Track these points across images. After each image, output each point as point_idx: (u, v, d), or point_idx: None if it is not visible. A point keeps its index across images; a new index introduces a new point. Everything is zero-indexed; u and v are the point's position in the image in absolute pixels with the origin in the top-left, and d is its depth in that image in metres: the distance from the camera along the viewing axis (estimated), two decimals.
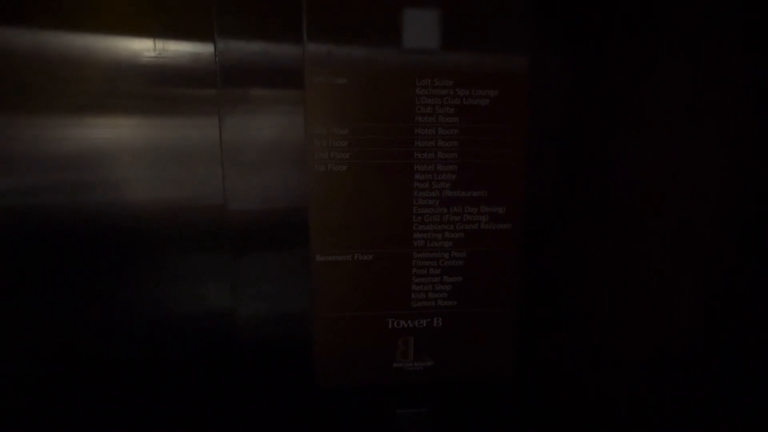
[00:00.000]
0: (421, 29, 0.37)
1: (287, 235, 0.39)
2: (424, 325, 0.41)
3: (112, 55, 0.36)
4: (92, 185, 0.37)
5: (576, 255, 0.43)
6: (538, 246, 0.42)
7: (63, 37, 0.35)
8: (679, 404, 0.35)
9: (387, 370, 0.41)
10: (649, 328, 0.37)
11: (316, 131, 0.37)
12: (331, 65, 0.37)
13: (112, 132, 0.37)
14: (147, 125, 0.37)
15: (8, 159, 0.36)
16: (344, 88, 0.37)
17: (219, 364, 0.41)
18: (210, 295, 0.40)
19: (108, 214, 0.38)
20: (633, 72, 0.39)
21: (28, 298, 0.38)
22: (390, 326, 0.41)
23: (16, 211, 0.37)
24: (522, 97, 0.39)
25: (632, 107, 0.40)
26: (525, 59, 0.38)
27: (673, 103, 0.36)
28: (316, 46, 0.36)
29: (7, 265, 0.37)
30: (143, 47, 0.36)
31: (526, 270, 0.41)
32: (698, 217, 0.34)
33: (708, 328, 0.33)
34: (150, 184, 0.38)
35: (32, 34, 0.35)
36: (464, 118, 0.38)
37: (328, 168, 0.38)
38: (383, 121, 0.38)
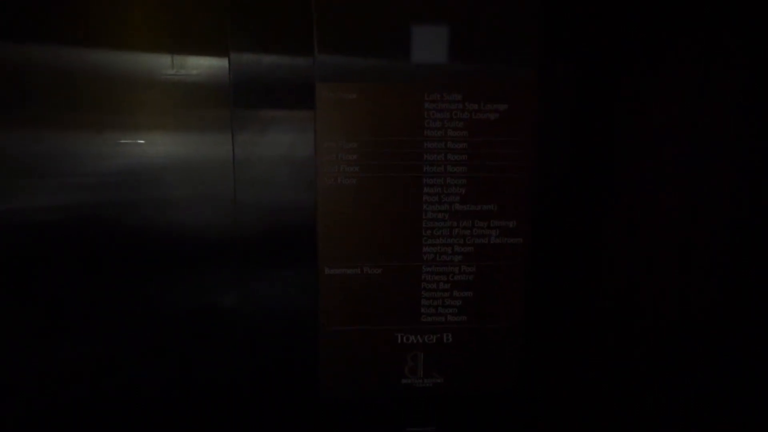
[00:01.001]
0: (429, 44, 0.37)
1: (296, 248, 0.39)
2: (434, 340, 0.41)
3: (129, 71, 0.37)
4: (108, 201, 0.38)
5: (585, 267, 0.42)
6: (548, 259, 0.41)
7: (81, 54, 0.37)
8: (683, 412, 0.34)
9: (396, 386, 0.41)
10: (659, 338, 0.36)
11: (326, 145, 0.38)
12: (341, 80, 0.37)
13: (127, 149, 0.38)
14: (162, 140, 0.38)
15: (28, 175, 0.37)
16: (354, 103, 0.37)
17: (224, 375, 0.40)
18: (218, 306, 0.40)
19: (118, 228, 0.39)
20: (640, 82, 0.39)
21: (36, 306, 0.38)
22: (399, 341, 0.40)
23: (35, 227, 0.38)
24: (531, 110, 0.38)
25: (639, 117, 0.39)
26: (533, 73, 0.38)
27: (679, 110, 0.36)
28: (327, 61, 0.37)
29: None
30: (161, 64, 0.38)
31: (537, 284, 0.41)
32: (705, 230, 0.34)
33: (719, 339, 0.32)
34: (163, 200, 0.39)
35: (49, 51, 0.37)
36: (473, 132, 0.38)
37: (338, 181, 0.38)
38: (392, 135, 0.38)
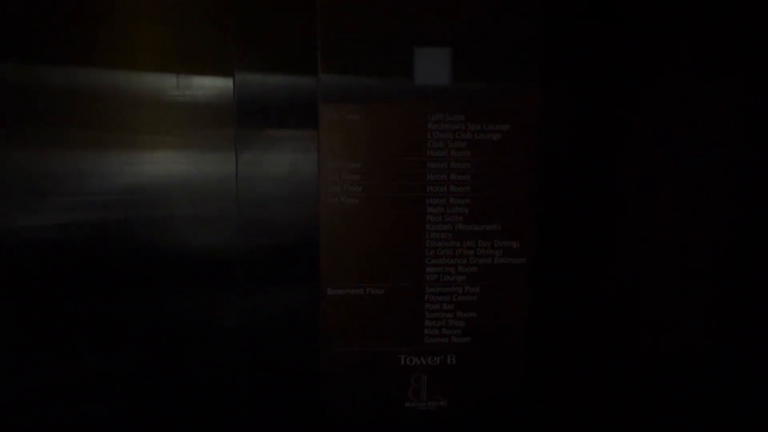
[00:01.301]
0: (432, 65, 0.38)
1: (299, 267, 0.39)
2: (438, 362, 0.40)
3: (135, 91, 0.38)
4: (113, 219, 0.38)
5: (589, 287, 0.42)
6: (551, 279, 0.41)
7: (89, 75, 0.37)
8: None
9: (399, 409, 0.40)
10: (664, 356, 0.36)
11: (329, 165, 0.38)
12: (345, 101, 0.37)
13: (133, 168, 0.38)
14: (166, 160, 0.38)
15: (36, 195, 0.37)
16: (357, 123, 0.38)
17: (226, 395, 0.40)
18: (220, 325, 0.40)
19: (121, 246, 0.38)
20: (639, 100, 0.39)
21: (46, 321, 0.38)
22: (402, 362, 0.40)
23: (40, 245, 0.38)
24: (533, 131, 0.39)
25: (640, 135, 0.39)
26: (535, 94, 0.38)
27: (680, 124, 0.36)
28: (330, 82, 0.37)
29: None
30: (166, 84, 0.38)
31: (541, 304, 0.40)
32: (707, 241, 0.34)
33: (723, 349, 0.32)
34: (165, 220, 0.39)
35: (57, 71, 0.37)
36: (476, 152, 0.39)
37: (341, 201, 0.38)
38: (395, 155, 0.38)
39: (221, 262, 0.39)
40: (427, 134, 0.38)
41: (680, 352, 0.38)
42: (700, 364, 0.39)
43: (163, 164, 0.39)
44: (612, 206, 0.41)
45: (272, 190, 0.39)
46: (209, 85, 0.38)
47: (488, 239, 0.39)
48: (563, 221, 0.41)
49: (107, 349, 0.39)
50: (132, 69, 0.38)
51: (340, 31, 0.37)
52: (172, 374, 0.40)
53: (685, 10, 0.38)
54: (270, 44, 0.38)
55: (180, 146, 0.38)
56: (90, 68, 0.37)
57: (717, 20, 0.37)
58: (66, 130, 0.38)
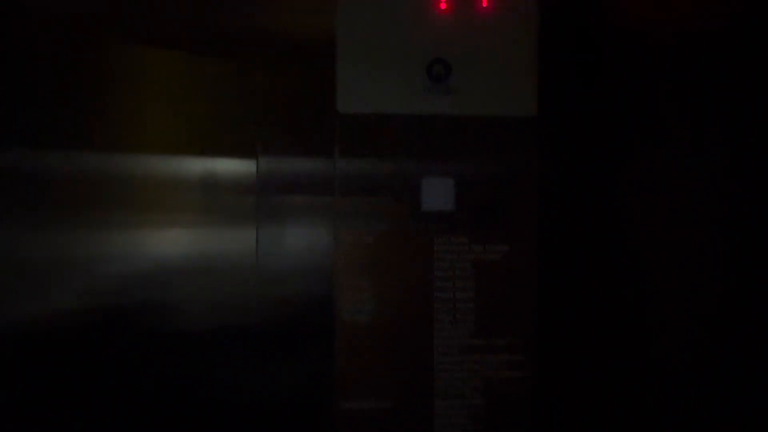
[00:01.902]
0: (438, 194, 0.42)
1: (314, 389, 0.41)
2: None
3: (160, 173, 0.42)
4: (138, 301, 0.41)
5: (591, 397, 0.43)
6: (555, 389, 0.43)
7: (116, 158, 0.41)
8: None
9: None
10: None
11: (344, 283, 0.41)
12: (359, 226, 0.41)
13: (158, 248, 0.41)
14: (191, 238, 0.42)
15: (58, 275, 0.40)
16: (370, 246, 0.41)
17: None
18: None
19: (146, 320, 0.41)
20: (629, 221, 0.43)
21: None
22: None
23: (61, 332, 0.40)
24: (531, 251, 0.42)
25: (632, 250, 0.43)
26: (532, 219, 0.42)
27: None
28: (346, 208, 0.41)
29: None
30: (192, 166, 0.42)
31: (546, 415, 0.42)
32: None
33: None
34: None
35: (78, 157, 0.41)
36: (480, 272, 0.42)
37: (354, 318, 0.41)
38: (405, 274, 0.41)
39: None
40: (434, 254, 0.42)
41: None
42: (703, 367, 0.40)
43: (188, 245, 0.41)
44: (612, 316, 0.44)
45: (291, 301, 0.42)
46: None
47: (493, 353, 0.42)
48: (567, 337, 0.43)
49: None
50: (160, 152, 0.42)
51: (355, 164, 0.42)
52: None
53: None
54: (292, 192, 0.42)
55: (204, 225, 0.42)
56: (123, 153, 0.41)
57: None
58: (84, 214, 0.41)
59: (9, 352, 0.39)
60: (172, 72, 0.42)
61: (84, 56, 0.41)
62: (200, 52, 0.42)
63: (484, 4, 0.42)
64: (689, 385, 0.41)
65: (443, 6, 0.42)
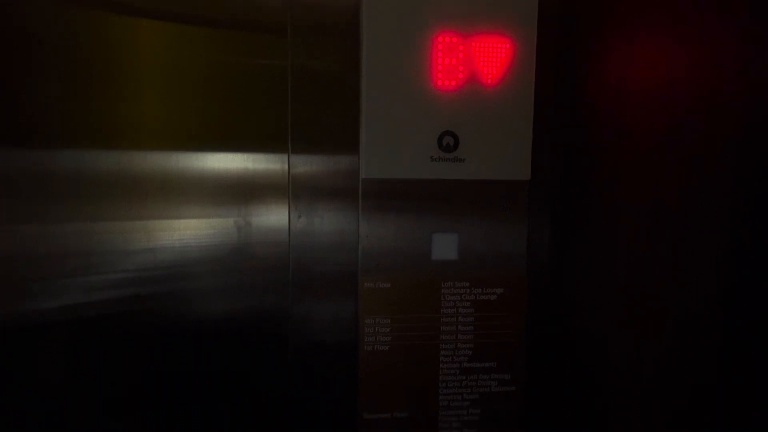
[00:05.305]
0: (445, 246, 0.50)
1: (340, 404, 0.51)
2: None
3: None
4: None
5: (568, 406, 0.53)
6: (538, 402, 0.53)
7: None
8: None
9: None
10: None
11: (367, 321, 0.50)
12: (378, 274, 0.50)
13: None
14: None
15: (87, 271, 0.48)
16: (388, 290, 0.50)
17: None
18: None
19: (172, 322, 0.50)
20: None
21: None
22: None
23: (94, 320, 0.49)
24: (522, 292, 0.51)
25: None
26: (522, 267, 0.51)
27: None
28: (368, 260, 0.49)
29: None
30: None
31: (531, 420, 0.52)
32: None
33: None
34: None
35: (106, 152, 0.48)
36: (478, 309, 0.51)
37: (375, 348, 0.50)
38: (417, 312, 0.50)
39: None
40: (441, 296, 0.50)
41: None
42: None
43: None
44: (594, 342, 0.54)
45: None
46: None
47: (486, 373, 0.52)
48: (548, 357, 0.53)
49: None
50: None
51: (376, 222, 0.49)
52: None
53: None
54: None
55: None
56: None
57: None
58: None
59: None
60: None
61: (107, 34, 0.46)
62: None
63: (489, 81, 0.48)
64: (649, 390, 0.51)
65: (453, 84, 0.48)
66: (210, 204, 0.49)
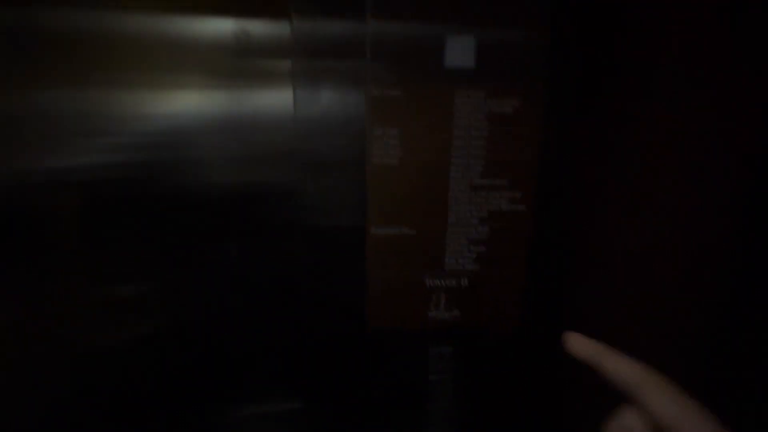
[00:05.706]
0: (459, 52, 0.46)
1: (349, 215, 0.50)
2: (454, 284, 0.52)
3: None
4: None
5: (578, 232, 0.53)
6: (546, 226, 0.52)
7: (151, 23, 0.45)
8: None
9: (424, 317, 0.53)
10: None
11: (375, 132, 0.47)
12: (388, 81, 0.46)
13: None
14: None
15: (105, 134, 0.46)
16: (397, 99, 0.47)
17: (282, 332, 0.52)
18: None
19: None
20: (631, 85, 0.48)
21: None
22: (427, 285, 0.52)
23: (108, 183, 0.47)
24: (538, 106, 0.48)
25: (633, 118, 0.49)
26: (541, 78, 0.47)
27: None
28: (376, 66, 0.46)
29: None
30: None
31: (536, 242, 0.52)
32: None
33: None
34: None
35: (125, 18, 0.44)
36: (491, 123, 0.48)
37: (383, 162, 0.48)
38: (427, 123, 0.48)
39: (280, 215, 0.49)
40: (453, 108, 0.47)
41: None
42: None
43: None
44: (609, 174, 0.52)
45: (328, 146, 0.48)
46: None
47: (497, 190, 0.50)
48: (559, 179, 0.51)
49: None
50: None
51: (386, 27, 0.45)
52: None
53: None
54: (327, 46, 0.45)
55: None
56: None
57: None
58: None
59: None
60: None
61: None
62: None
63: None
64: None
65: None
66: None
